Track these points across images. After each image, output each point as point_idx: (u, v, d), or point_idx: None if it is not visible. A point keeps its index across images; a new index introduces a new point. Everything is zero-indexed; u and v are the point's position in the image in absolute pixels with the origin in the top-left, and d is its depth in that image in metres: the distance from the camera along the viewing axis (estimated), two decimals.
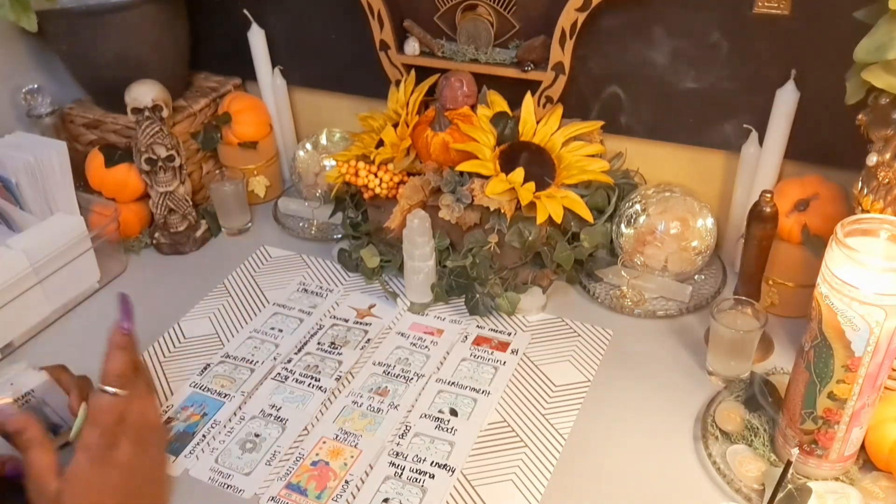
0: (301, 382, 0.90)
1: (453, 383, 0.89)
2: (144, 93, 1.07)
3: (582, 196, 0.97)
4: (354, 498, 0.76)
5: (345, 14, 1.12)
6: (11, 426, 0.61)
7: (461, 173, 0.99)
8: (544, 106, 1.05)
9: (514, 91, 1.05)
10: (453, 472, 0.78)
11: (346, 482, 0.78)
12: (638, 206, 0.99)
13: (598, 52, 1.01)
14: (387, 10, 1.06)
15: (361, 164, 1.02)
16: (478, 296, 0.97)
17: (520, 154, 0.99)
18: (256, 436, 0.84)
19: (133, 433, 0.61)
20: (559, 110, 1.03)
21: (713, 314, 0.84)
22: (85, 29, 1.08)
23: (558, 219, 0.94)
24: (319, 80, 1.24)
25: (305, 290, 1.06)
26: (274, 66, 1.22)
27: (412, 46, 1.09)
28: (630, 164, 1.08)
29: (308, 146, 1.19)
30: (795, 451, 0.71)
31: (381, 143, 1.06)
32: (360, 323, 1.00)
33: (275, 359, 0.94)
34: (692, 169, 1.06)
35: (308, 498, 0.76)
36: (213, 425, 0.85)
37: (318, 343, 0.97)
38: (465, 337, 0.96)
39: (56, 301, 1.02)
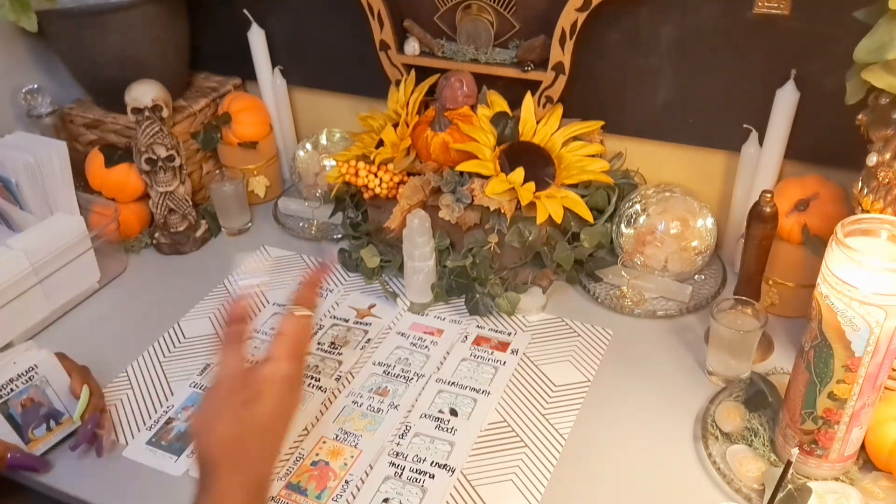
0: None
1: (453, 383, 0.89)
2: (144, 93, 1.07)
3: (582, 196, 0.97)
4: (354, 498, 0.76)
5: (345, 14, 1.12)
6: (237, 310, 0.62)
7: (461, 173, 0.99)
8: (544, 106, 1.05)
9: (514, 91, 1.05)
10: (453, 472, 0.78)
11: (346, 482, 0.78)
12: (638, 206, 0.99)
13: (598, 52, 1.01)
14: (387, 10, 1.06)
15: (361, 164, 1.02)
16: (478, 296, 0.97)
17: (520, 154, 0.99)
18: None
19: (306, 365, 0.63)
20: (559, 110, 1.03)
21: (713, 314, 0.84)
22: (85, 29, 1.08)
23: (558, 219, 0.94)
24: (319, 80, 1.24)
25: None
26: (274, 66, 1.22)
27: (412, 46, 1.09)
28: (630, 164, 1.08)
29: (308, 146, 1.19)
30: (795, 451, 0.71)
31: (381, 143, 1.06)
32: (360, 323, 1.00)
33: None
34: (692, 169, 1.06)
35: (308, 498, 0.76)
36: None
37: (318, 343, 0.96)
38: (465, 337, 0.96)
39: (56, 301, 1.02)
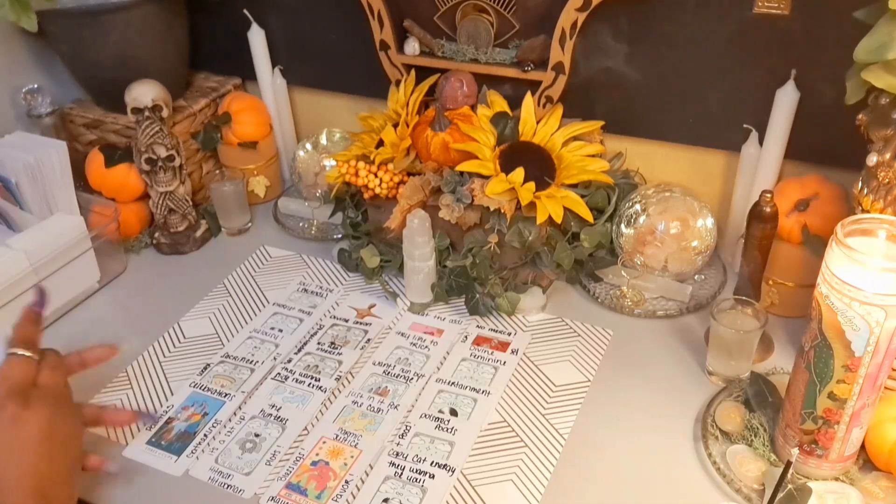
0: (301, 382, 0.90)
1: (453, 383, 0.89)
2: (144, 93, 1.07)
3: (582, 196, 0.97)
4: (354, 498, 0.76)
5: (345, 14, 1.12)
6: None
7: (461, 173, 0.99)
8: (544, 106, 1.05)
9: (514, 91, 1.05)
10: (453, 472, 0.78)
11: (346, 482, 0.78)
12: (638, 206, 0.99)
13: (599, 52, 1.01)
14: (387, 10, 1.06)
15: (361, 164, 1.02)
16: (478, 296, 0.97)
17: (520, 154, 0.99)
18: (256, 436, 0.84)
19: (46, 396, 0.67)
20: (559, 110, 1.03)
21: (713, 314, 0.84)
22: (85, 29, 1.08)
23: (558, 219, 0.94)
24: (319, 80, 1.24)
25: (305, 290, 1.06)
26: (274, 66, 1.22)
27: (412, 46, 1.09)
28: (630, 164, 1.08)
29: (308, 146, 1.19)
30: (795, 451, 0.71)
31: (381, 143, 1.06)
32: (360, 323, 1.00)
33: (275, 359, 0.94)
34: (692, 169, 1.06)
35: (308, 498, 0.76)
36: (214, 425, 0.85)
37: (318, 343, 0.97)
38: (465, 337, 0.96)
39: (56, 301, 1.02)
